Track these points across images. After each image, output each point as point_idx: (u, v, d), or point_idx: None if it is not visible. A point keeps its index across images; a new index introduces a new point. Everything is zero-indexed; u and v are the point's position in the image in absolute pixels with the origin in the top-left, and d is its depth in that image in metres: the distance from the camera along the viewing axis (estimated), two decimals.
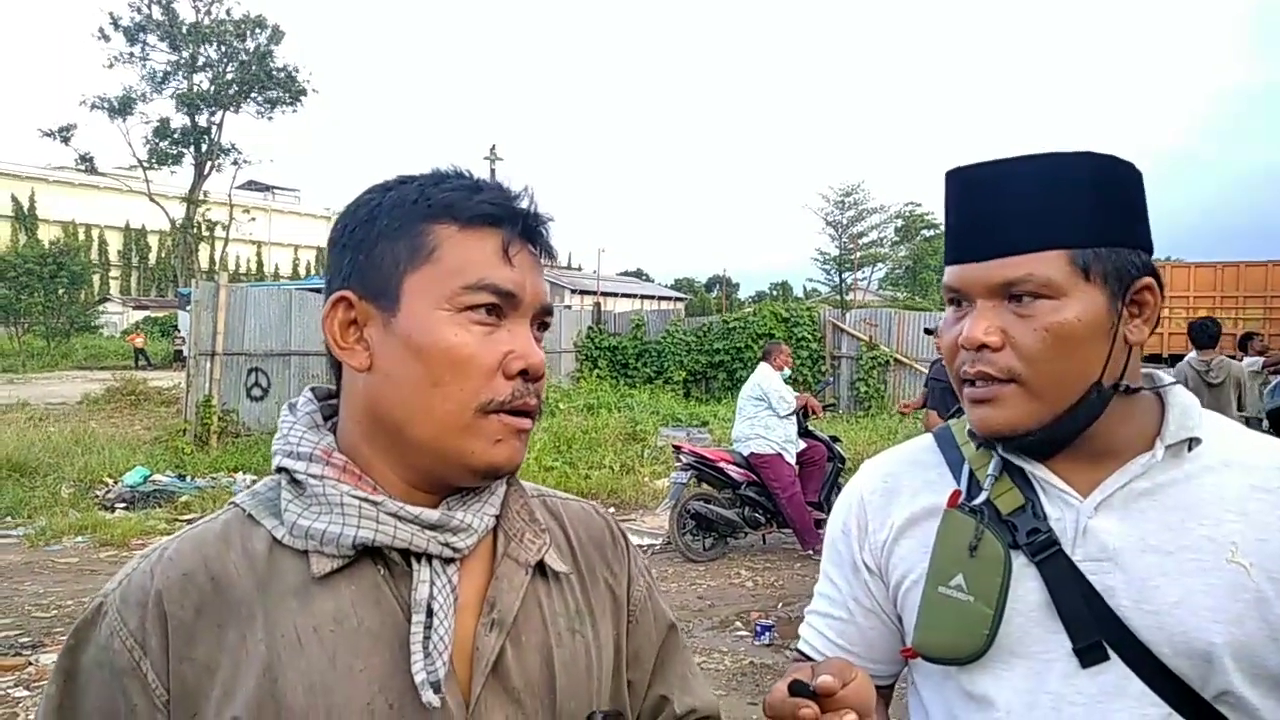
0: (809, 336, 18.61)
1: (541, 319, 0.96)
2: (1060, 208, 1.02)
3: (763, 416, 7.95)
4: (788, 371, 8.36)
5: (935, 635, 1.09)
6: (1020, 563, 1.06)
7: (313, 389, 1.00)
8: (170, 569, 0.87)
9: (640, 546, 8.66)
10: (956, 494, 1.12)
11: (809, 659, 1.24)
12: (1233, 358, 9.50)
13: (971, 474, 1.14)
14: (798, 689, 0.90)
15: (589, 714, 0.95)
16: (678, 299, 52.55)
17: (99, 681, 0.84)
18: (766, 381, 8.02)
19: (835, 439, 8.77)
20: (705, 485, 8.11)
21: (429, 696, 0.83)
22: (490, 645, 0.90)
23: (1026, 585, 1.05)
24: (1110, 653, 1.02)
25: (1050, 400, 1.03)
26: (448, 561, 0.90)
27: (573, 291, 44.86)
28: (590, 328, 20.96)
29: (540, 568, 0.98)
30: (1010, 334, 1.03)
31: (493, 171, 17.52)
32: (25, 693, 4.82)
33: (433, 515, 0.89)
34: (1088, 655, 1.02)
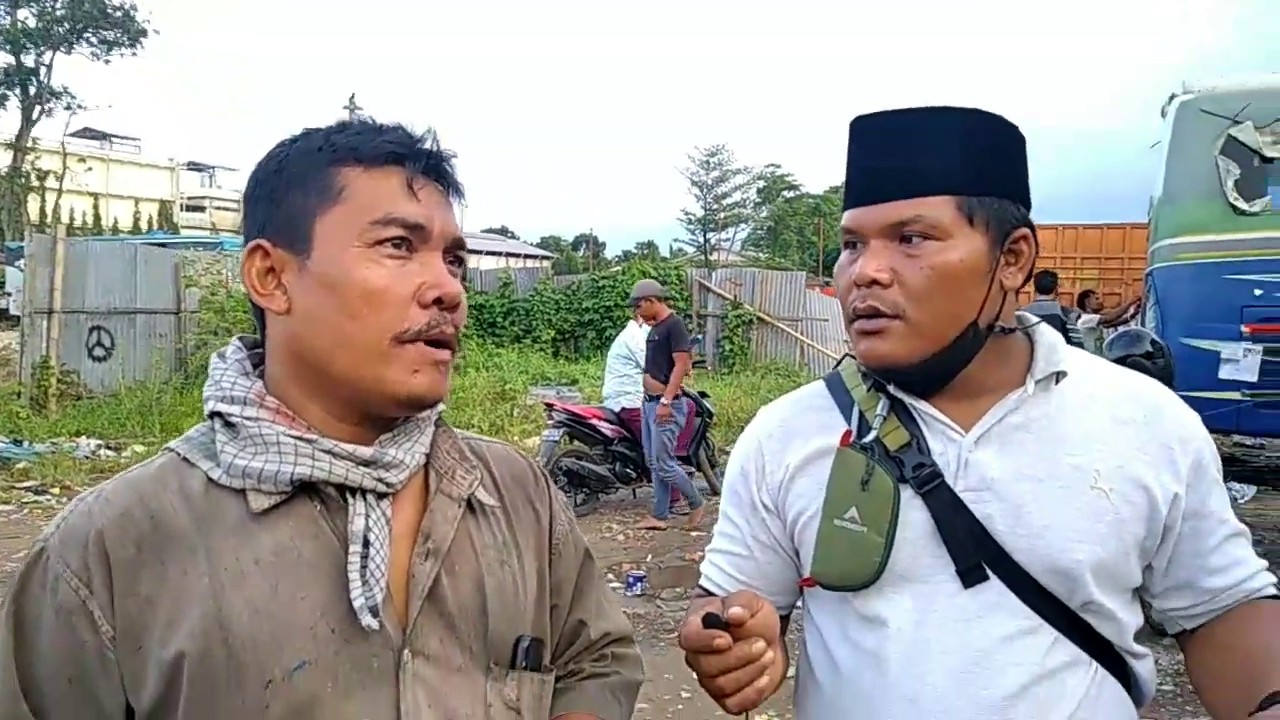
0: (676, 295, 18.80)
1: (455, 253, 1.00)
2: (950, 157, 1.09)
3: (632, 373, 8.04)
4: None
5: (832, 565, 1.16)
6: (908, 495, 1.13)
7: (240, 338, 1.03)
8: (108, 509, 0.90)
9: None
10: (848, 434, 1.19)
11: (710, 595, 1.30)
12: (1069, 310, 10.11)
13: (861, 415, 1.21)
14: (711, 621, 0.96)
15: (516, 638, 1.01)
16: (544, 257, 52.12)
17: (49, 623, 0.87)
18: (633, 339, 8.14)
19: (703, 394, 8.92)
20: (577, 443, 8.15)
21: (367, 620, 0.88)
22: (426, 573, 0.95)
23: (914, 515, 1.13)
24: (989, 573, 1.11)
25: (930, 337, 1.10)
26: (381, 496, 0.95)
27: None
28: None
29: (470, 503, 1.03)
30: (899, 272, 1.10)
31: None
32: None
33: (366, 452, 0.94)
34: (969, 576, 1.11)
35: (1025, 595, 1.10)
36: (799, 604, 1.32)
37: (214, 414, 0.94)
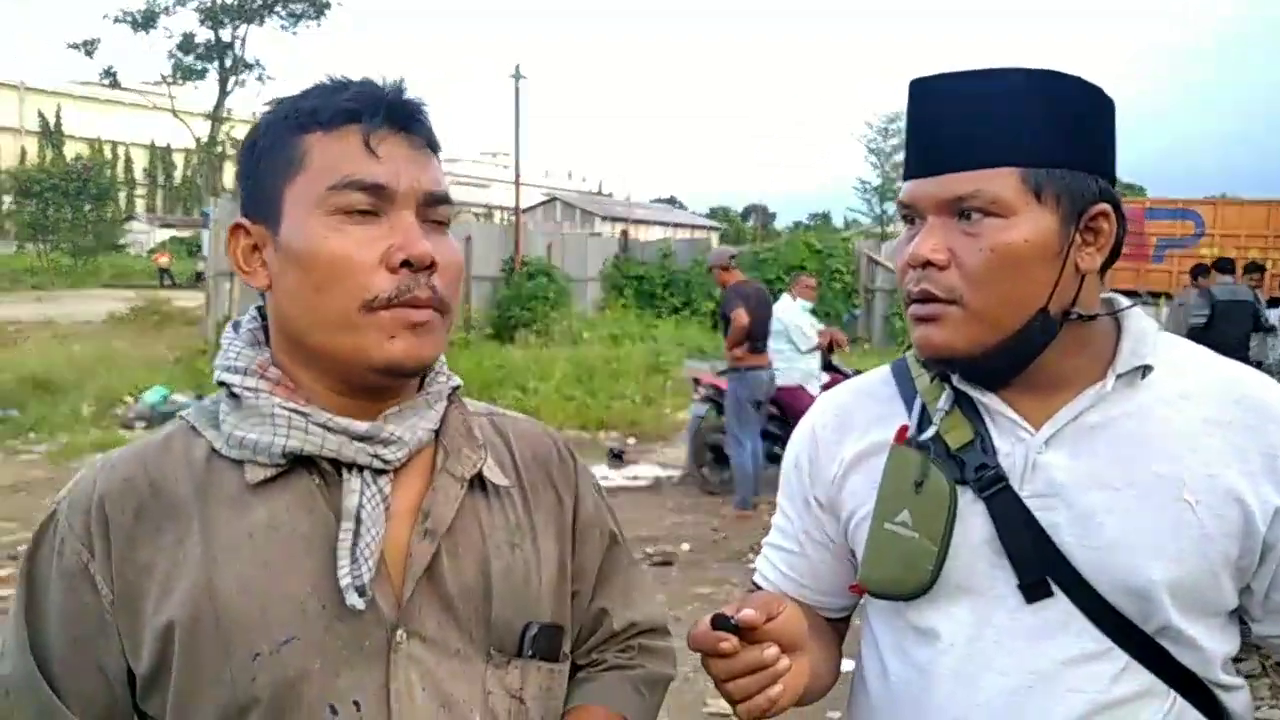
0: (842, 269, 18.23)
1: (431, 211, 0.94)
2: (1015, 125, 1.00)
3: (784, 348, 7.68)
4: (810, 304, 8.08)
5: (881, 571, 1.09)
6: (967, 499, 1.05)
7: (258, 308, 1.02)
8: (112, 475, 0.93)
9: (659, 477, 8.60)
10: (904, 429, 1.11)
11: (762, 590, 1.24)
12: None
13: (924, 408, 1.12)
14: (719, 623, 0.92)
15: (525, 624, 0.99)
16: (712, 228, 51.78)
17: (56, 584, 0.90)
18: (786, 315, 7.75)
19: (859, 373, 8.46)
20: (724, 417, 7.86)
21: (353, 599, 0.87)
22: (423, 552, 0.93)
23: (973, 521, 1.05)
24: (1054, 588, 1.02)
25: (991, 324, 1.01)
26: (379, 473, 0.93)
27: (603, 219, 44.34)
28: (616, 256, 20.60)
29: (481, 483, 1.01)
30: (957, 253, 1.01)
31: (517, 92, 17.05)
32: None
33: (361, 427, 0.92)
34: (1032, 591, 1.03)
35: (1094, 615, 1.01)
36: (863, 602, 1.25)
37: (220, 383, 0.94)
